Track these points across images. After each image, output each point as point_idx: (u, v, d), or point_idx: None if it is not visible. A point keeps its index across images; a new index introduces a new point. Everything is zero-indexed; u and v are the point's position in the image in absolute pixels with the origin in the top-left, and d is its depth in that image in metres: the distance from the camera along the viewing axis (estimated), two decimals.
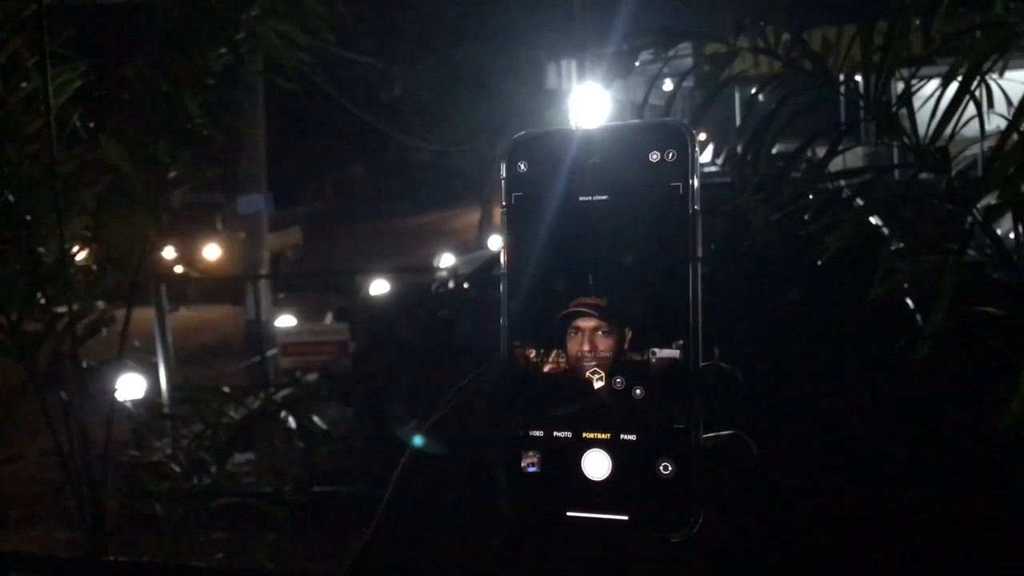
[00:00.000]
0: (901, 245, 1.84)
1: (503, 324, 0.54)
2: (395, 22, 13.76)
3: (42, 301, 1.92)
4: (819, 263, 1.46)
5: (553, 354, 0.53)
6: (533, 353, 0.54)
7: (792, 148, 1.56)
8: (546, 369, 0.53)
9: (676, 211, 0.51)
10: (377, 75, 13.66)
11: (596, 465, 0.51)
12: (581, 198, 0.53)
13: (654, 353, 0.51)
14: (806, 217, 1.55)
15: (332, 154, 19.49)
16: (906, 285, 1.56)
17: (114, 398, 2.13)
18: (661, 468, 0.50)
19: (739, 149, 1.71)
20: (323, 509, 3.83)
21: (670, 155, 0.52)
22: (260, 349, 7.71)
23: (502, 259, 0.55)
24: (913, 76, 1.47)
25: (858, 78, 1.56)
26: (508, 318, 0.54)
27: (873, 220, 1.67)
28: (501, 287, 0.55)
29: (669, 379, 0.50)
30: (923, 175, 1.46)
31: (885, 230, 1.83)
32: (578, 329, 0.52)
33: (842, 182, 1.58)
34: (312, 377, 6.10)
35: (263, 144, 9.07)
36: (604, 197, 0.53)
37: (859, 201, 1.57)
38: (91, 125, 2.16)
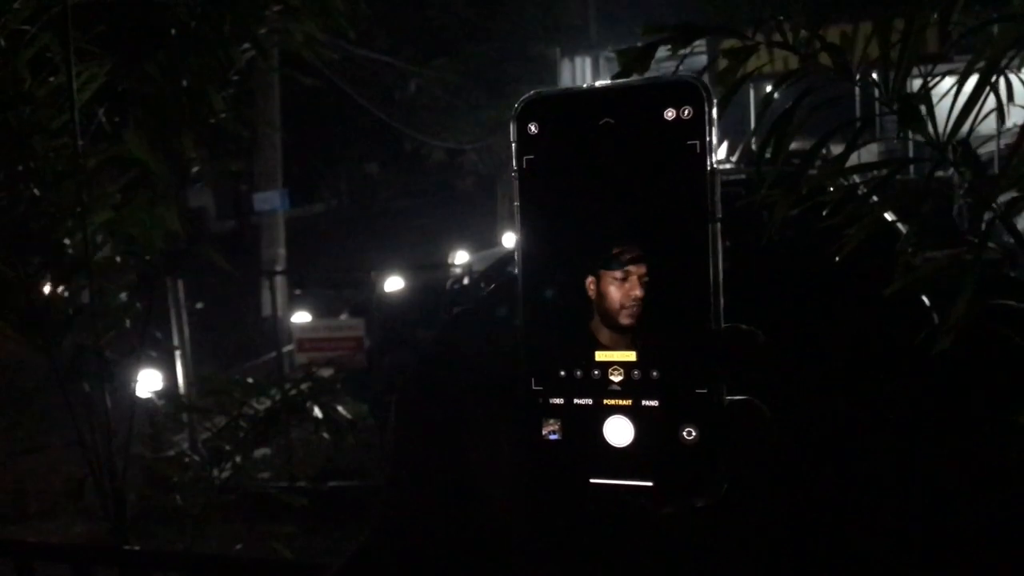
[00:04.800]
0: (915, 241, 1.83)
1: (519, 284, 0.54)
2: (410, 20, 13.78)
3: (65, 294, 1.94)
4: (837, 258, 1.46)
5: (571, 310, 0.53)
6: (552, 308, 0.53)
7: (806, 146, 1.56)
8: (564, 325, 0.53)
9: (693, 170, 0.50)
10: (392, 73, 13.68)
11: (618, 432, 0.51)
12: (595, 159, 0.52)
13: (677, 310, 0.51)
14: (824, 212, 1.55)
15: (347, 152, 19.53)
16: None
17: (135, 390, 2.16)
18: (684, 434, 0.49)
19: (754, 147, 1.71)
20: (340, 502, 3.86)
21: (686, 112, 0.51)
22: (276, 345, 7.75)
23: (516, 222, 0.54)
24: (931, 72, 1.47)
25: (875, 75, 1.56)
26: (524, 277, 0.53)
27: (888, 216, 1.67)
28: (515, 251, 0.54)
29: (691, 340, 0.50)
30: (937, 172, 1.46)
31: (901, 226, 1.83)
32: (627, 273, 0.51)
33: (856, 178, 1.58)
34: (328, 372, 6.12)
35: (279, 141, 9.11)
36: (618, 157, 0.51)
37: (875, 198, 1.57)
38: (116, 120, 2.19)
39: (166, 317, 5.96)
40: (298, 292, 8.95)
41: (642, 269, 0.51)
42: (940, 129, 1.48)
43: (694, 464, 0.49)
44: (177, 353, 6.17)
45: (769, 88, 1.78)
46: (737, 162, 6.99)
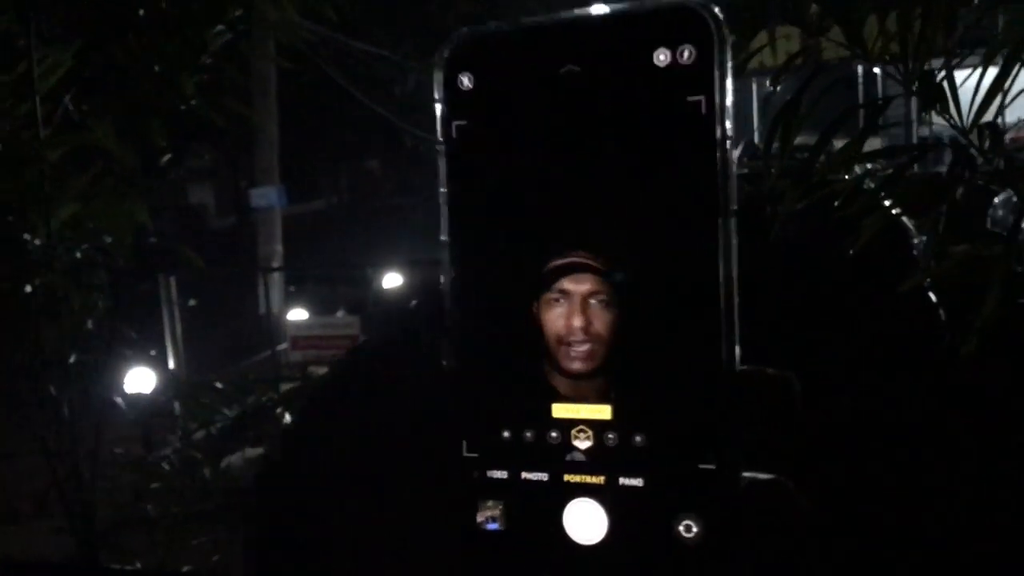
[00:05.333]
0: (923, 238, 1.77)
1: (448, 305, 0.39)
2: (409, 15, 13.70)
3: (28, 289, 1.83)
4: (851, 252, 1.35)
5: (519, 340, 0.37)
6: (491, 343, 0.38)
7: (810, 141, 1.46)
8: (509, 362, 0.38)
9: (695, 139, 0.35)
10: (391, 69, 13.59)
11: (585, 522, 0.36)
12: (554, 123, 0.37)
13: (670, 346, 0.35)
14: (836, 203, 1.46)
15: (346, 148, 19.45)
16: (929, 280, 1.47)
17: (106, 394, 2.05)
18: (682, 528, 0.34)
19: (757, 141, 1.62)
20: None
21: (684, 54, 0.35)
22: (271, 343, 7.64)
23: (442, 216, 0.39)
24: (953, 57, 1.37)
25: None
26: (455, 294, 0.39)
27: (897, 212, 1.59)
28: (444, 253, 0.39)
29: (691, 390, 0.35)
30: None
31: (909, 222, 1.75)
32: (565, 294, 0.36)
33: (857, 169, 1.49)
34: (322, 371, 6.02)
35: (276, 136, 9.01)
36: (587, 120, 0.36)
37: (885, 198, 1.48)
38: (84, 108, 2.08)
39: (158, 315, 5.86)
40: (292, 289, 8.85)
41: (587, 286, 0.36)
42: (957, 121, 1.39)
43: (695, 572, 0.34)
44: (170, 352, 6.07)
45: (769, 82, 1.68)
46: (739, 157, 6.93)
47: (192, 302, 6.24)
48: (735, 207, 0.36)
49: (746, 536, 0.34)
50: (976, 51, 1.48)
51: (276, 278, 8.52)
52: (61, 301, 1.86)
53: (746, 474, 0.35)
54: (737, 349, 0.35)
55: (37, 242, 1.84)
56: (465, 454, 0.38)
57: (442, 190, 0.39)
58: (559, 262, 0.36)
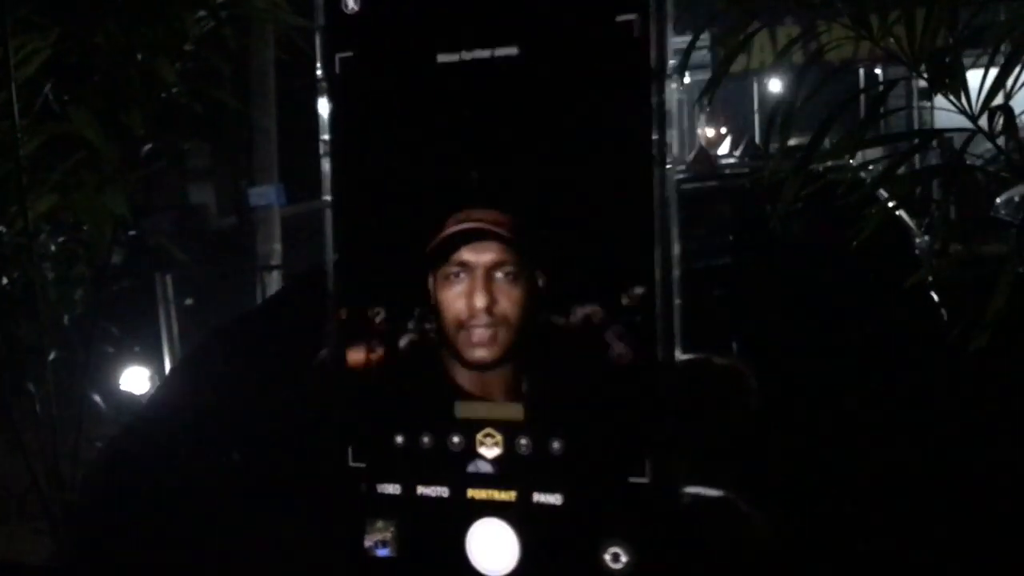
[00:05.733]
0: (925, 237, 1.77)
1: (329, 276, 0.32)
2: None
3: (4, 282, 1.78)
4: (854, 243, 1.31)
5: (413, 322, 0.31)
6: (380, 320, 0.31)
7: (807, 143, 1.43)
8: (401, 351, 0.31)
9: (626, 69, 0.28)
10: None
11: (493, 548, 0.29)
12: (454, 49, 0.30)
13: (595, 329, 0.28)
14: (838, 192, 1.42)
15: None
16: (931, 278, 1.43)
17: (87, 391, 1.99)
18: (608, 557, 0.28)
19: (758, 140, 1.59)
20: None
21: None
22: None
23: (324, 168, 0.32)
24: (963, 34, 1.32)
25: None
26: (338, 268, 0.32)
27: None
28: (326, 214, 0.32)
29: (620, 385, 0.28)
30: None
31: (910, 221, 1.72)
32: (464, 267, 0.30)
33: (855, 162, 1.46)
34: None
35: (275, 134, 8.95)
36: (494, 45, 0.30)
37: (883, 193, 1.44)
38: (65, 98, 2.03)
39: (153, 313, 5.81)
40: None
41: (488, 255, 0.29)
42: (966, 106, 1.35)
43: None
44: (166, 351, 6.02)
45: (769, 82, 1.64)
46: (741, 156, 6.88)
47: (188, 301, 6.19)
48: (672, 156, 0.29)
49: (687, 567, 0.28)
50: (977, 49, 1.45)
51: (275, 277, 8.47)
52: (39, 295, 1.81)
53: (687, 489, 0.28)
54: (677, 334, 0.29)
55: (13, 235, 1.79)
56: (350, 463, 0.31)
57: (323, 138, 0.32)
58: (457, 228, 0.30)
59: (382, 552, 0.30)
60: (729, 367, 0.29)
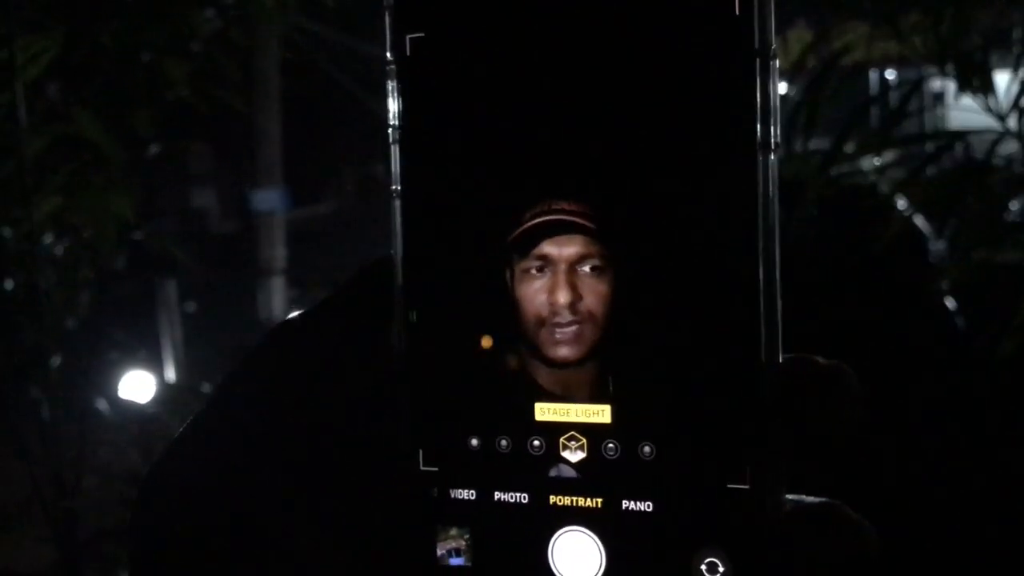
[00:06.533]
0: (940, 244, 1.78)
1: (397, 271, 0.30)
2: None
3: (7, 286, 1.75)
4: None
5: (490, 320, 0.28)
6: (453, 318, 0.29)
7: (822, 148, 1.41)
8: (477, 349, 0.29)
9: (725, 50, 0.26)
10: None
11: (577, 559, 0.27)
12: (538, 32, 0.28)
13: (689, 327, 0.27)
14: (856, 197, 1.40)
15: (353, 151, 19.45)
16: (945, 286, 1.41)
17: (92, 397, 1.97)
18: (704, 568, 0.26)
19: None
20: None
21: None
22: None
23: (392, 159, 0.30)
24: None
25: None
26: (408, 262, 0.30)
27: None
28: (394, 207, 0.30)
29: (718, 386, 0.26)
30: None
31: (922, 225, 1.73)
32: (545, 261, 0.28)
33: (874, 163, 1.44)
34: None
35: (279, 138, 8.95)
36: (582, 28, 0.27)
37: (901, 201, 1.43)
38: (71, 99, 2.00)
39: (155, 318, 5.80)
40: (295, 294, 8.79)
41: (574, 250, 0.27)
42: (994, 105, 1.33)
43: None
44: (168, 356, 6.00)
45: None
46: None
47: (192, 306, 6.18)
48: (778, 143, 0.27)
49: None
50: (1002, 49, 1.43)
51: (278, 282, 8.45)
52: (43, 298, 1.78)
53: (789, 496, 0.26)
54: (780, 333, 0.26)
55: (18, 238, 1.77)
56: (421, 468, 0.29)
57: (391, 124, 0.30)
58: (538, 220, 0.28)
59: (456, 561, 0.28)
60: (832, 367, 0.27)
